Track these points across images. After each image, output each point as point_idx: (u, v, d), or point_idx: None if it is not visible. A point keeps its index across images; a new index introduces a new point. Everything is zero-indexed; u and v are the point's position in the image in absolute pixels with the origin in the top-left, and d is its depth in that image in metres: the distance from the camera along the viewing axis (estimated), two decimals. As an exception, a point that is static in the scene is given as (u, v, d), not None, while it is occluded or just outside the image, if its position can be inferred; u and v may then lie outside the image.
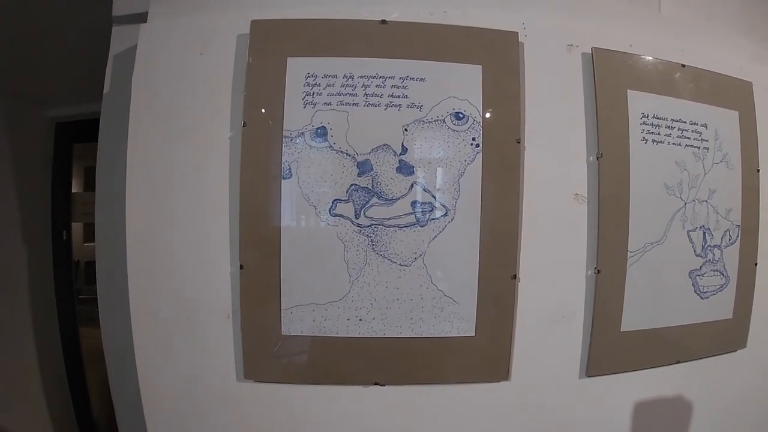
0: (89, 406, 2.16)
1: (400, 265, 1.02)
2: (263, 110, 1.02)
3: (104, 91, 1.22)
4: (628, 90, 1.13)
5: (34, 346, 2.01)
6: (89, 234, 2.88)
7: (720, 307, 1.22)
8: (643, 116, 1.13)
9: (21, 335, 1.97)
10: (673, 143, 1.16)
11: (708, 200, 1.19)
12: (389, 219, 1.01)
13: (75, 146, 2.19)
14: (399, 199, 1.02)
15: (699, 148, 1.18)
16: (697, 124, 1.18)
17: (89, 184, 2.64)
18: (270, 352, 1.03)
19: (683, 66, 1.18)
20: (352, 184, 1.01)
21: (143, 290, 1.04)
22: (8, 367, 1.89)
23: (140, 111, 1.05)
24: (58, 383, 2.10)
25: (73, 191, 2.26)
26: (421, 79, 1.03)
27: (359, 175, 1.01)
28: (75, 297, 2.20)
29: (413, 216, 1.02)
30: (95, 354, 2.11)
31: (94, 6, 1.34)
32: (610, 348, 1.12)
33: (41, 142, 2.11)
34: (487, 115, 1.04)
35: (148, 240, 1.04)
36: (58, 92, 1.98)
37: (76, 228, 2.42)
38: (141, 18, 1.11)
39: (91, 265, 2.99)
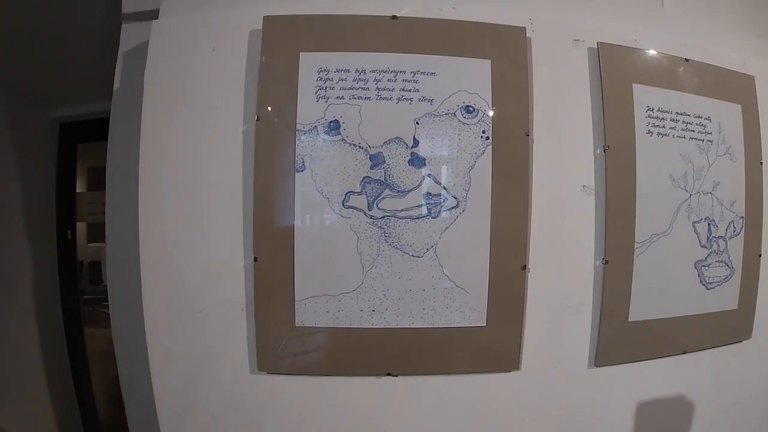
0: (94, 406, 2.16)
1: (412, 256, 1.03)
2: (277, 104, 1.03)
3: (114, 88, 1.23)
4: (633, 84, 1.15)
5: (38, 347, 2.00)
6: (93, 234, 2.88)
7: (725, 298, 1.24)
8: (648, 109, 1.15)
9: (25, 335, 1.97)
10: (678, 136, 1.17)
11: (712, 192, 1.20)
12: (401, 211, 1.02)
13: (79, 146, 2.19)
14: (411, 191, 1.03)
15: (703, 140, 1.20)
16: (701, 117, 1.20)
17: (93, 184, 2.65)
18: (283, 344, 1.03)
19: (687, 60, 1.20)
20: (364, 177, 1.02)
21: (156, 284, 1.05)
22: (13, 368, 1.88)
23: (152, 107, 1.06)
24: (62, 383, 2.09)
25: (77, 191, 2.26)
26: (432, 73, 1.05)
27: (372, 167, 1.02)
28: (79, 297, 2.19)
29: (425, 207, 1.03)
30: (100, 354, 2.12)
31: (98, 5, 1.35)
32: (618, 338, 1.13)
33: (45, 142, 2.11)
34: (497, 108, 1.06)
35: (160, 234, 1.05)
36: (62, 92, 1.98)
37: (80, 228, 2.42)
38: (151, 15, 1.13)
39: (95, 265, 3.01)
